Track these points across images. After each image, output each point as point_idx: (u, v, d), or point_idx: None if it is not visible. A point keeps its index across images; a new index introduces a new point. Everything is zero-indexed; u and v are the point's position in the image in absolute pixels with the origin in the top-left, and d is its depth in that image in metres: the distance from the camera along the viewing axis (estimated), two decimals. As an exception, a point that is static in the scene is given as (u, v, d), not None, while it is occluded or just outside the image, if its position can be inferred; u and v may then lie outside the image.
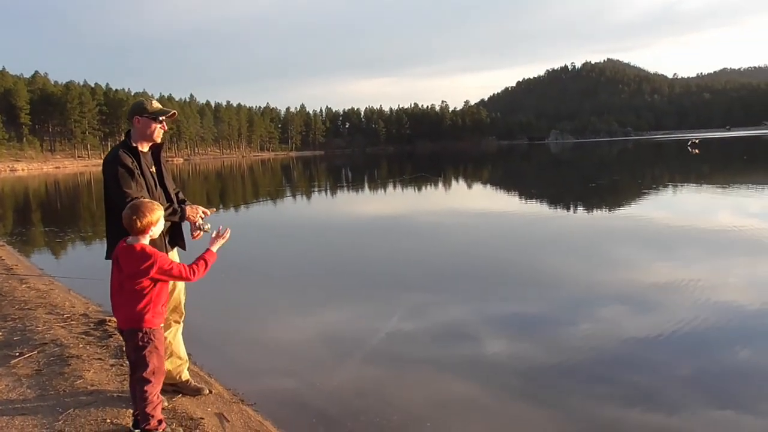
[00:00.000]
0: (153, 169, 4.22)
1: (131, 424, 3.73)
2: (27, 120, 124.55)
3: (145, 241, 3.56)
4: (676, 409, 4.69)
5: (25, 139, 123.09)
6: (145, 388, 3.52)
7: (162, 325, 3.73)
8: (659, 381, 5.24)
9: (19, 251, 13.32)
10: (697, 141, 72.15)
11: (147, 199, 3.72)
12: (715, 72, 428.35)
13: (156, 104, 4.23)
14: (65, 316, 6.60)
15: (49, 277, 9.26)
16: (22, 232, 18.07)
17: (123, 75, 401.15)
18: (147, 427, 3.54)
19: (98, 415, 3.94)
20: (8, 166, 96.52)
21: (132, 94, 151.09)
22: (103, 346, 5.51)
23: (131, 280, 3.49)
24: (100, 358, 5.13)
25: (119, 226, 3.98)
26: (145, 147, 4.20)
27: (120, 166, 3.95)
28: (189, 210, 4.22)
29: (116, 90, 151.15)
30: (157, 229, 3.61)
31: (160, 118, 4.17)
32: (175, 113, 4.35)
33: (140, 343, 3.52)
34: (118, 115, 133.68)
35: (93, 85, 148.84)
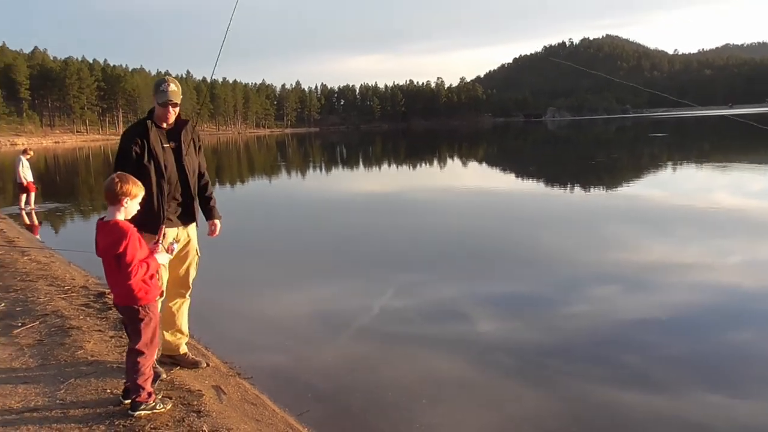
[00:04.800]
0: (170, 144, 4.25)
1: (121, 394, 3.81)
2: (27, 95, 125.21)
3: (120, 216, 3.54)
4: (670, 391, 4.74)
5: (24, 113, 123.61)
6: (138, 359, 3.58)
7: (159, 298, 3.80)
8: (654, 362, 5.29)
9: (20, 224, 13.36)
10: None
11: (133, 177, 3.66)
12: (717, 48, 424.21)
13: (168, 87, 4.16)
14: (65, 288, 6.69)
15: (50, 250, 9.32)
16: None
17: (121, 51, 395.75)
18: (137, 399, 3.61)
19: (98, 385, 4.02)
20: (8, 141, 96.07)
21: (129, 70, 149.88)
22: (103, 318, 5.59)
23: (108, 255, 3.50)
24: (99, 330, 5.22)
25: None
26: (164, 123, 4.27)
27: (121, 144, 4.14)
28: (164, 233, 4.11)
29: (114, 66, 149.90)
30: (132, 205, 3.58)
31: (162, 102, 4.16)
32: (173, 102, 4.22)
33: (136, 317, 3.58)
34: (116, 90, 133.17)
35: (91, 61, 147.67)
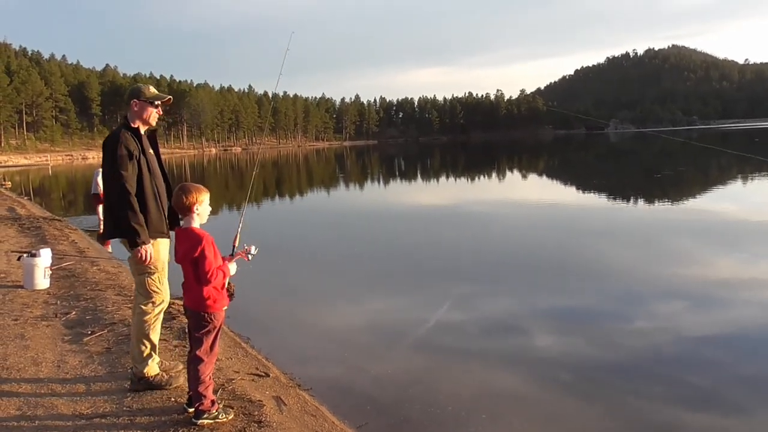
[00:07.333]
0: (151, 151, 4.32)
1: (185, 402, 3.88)
2: (98, 111, 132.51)
3: (195, 223, 3.67)
4: (738, 414, 4.51)
5: (95, 128, 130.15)
6: (198, 367, 3.64)
7: (225, 308, 3.86)
8: (721, 382, 5.06)
9: (90, 235, 13.92)
10: None
11: (194, 184, 3.83)
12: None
13: (152, 90, 4.34)
14: (132, 297, 6.88)
15: (118, 260, 9.66)
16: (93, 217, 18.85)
17: (186, 67, 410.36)
18: (200, 407, 3.67)
19: (163, 393, 4.12)
20: (81, 155, 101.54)
21: (194, 85, 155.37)
22: (167, 327, 5.72)
23: (186, 260, 3.62)
24: (164, 339, 5.32)
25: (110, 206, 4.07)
26: (143, 129, 4.32)
27: (122, 147, 4.05)
28: None
29: (179, 81, 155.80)
30: (203, 209, 3.70)
31: (156, 103, 4.29)
32: (170, 99, 4.44)
33: (201, 323, 3.66)
34: (181, 105, 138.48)
35: (158, 77, 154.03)
